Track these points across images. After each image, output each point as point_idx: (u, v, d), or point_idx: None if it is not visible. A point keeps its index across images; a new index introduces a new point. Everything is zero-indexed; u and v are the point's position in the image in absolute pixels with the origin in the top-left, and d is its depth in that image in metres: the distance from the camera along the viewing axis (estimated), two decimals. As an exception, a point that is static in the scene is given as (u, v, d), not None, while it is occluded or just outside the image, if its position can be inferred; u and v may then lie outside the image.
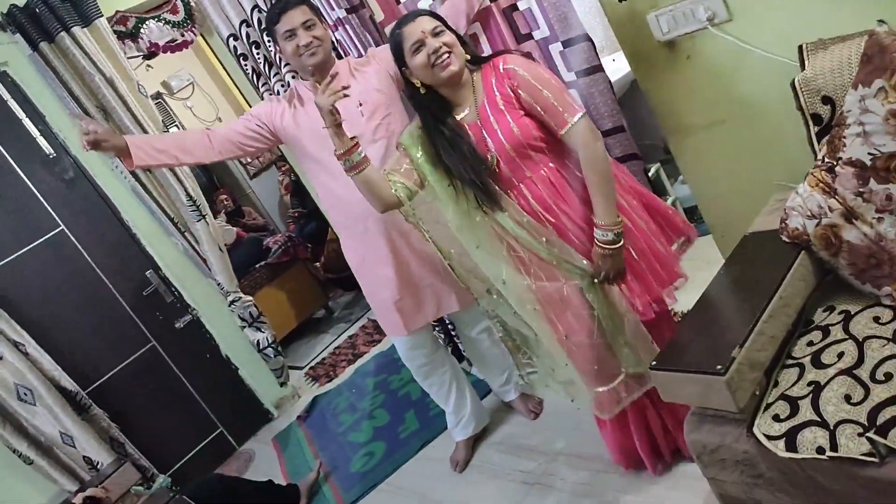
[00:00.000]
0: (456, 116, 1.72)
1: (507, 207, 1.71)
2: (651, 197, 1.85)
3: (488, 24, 2.14)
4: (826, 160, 1.46)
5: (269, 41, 2.69)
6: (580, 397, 1.91)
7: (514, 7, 2.08)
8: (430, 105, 1.72)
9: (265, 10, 2.84)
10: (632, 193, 1.79)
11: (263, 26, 2.90)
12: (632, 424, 1.93)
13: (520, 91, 1.64)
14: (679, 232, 1.86)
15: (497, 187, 1.71)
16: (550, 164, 1.70)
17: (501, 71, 1.66)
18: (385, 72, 2.08)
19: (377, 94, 2.05)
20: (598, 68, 2.06)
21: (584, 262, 1.71)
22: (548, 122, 1.64)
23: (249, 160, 5.83)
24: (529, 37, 2.12)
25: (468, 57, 1.69)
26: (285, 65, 3.00)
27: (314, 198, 3.78)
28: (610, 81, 2.10)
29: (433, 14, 1.68)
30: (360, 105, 2.02)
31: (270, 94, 3.11)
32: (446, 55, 1.63)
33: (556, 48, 2.09)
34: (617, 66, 3.08)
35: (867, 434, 1.17)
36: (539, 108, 1.62)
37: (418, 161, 1.74)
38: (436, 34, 1.63)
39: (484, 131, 1.69)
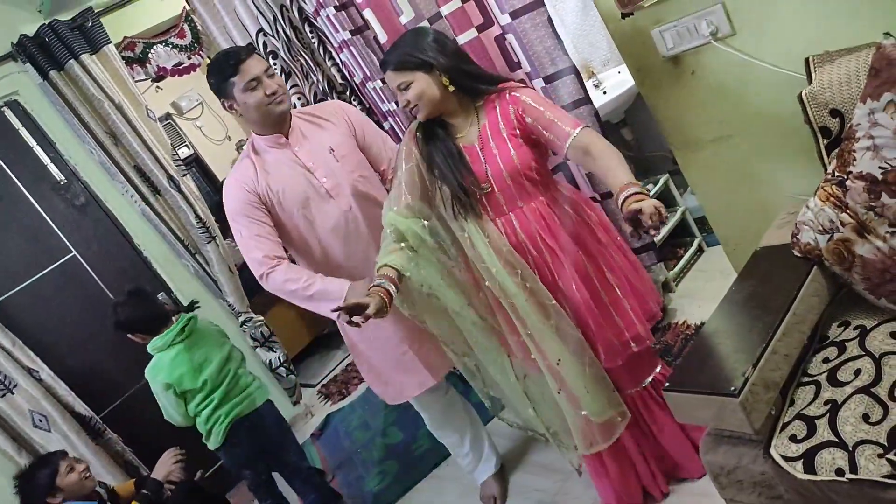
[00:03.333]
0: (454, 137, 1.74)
1: (491, 234, 1.70)
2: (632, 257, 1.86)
3: (484, 53, 2.12)
4: (836, 174, 1.44)
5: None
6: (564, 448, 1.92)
7: (503, 37, 2.09)
8: (430, 122, 1.74)
9: (270, 33, 2.87)
10: (612, 235, 1.81)
11: (269, 49, 2.93)
12: (612, 465, 1.91)
13: (525, 115, 1.65)
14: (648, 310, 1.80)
15: (486, 213, 1.72)
16: (541, 198, 1.72)
17: (508, 97, 1.68)
18: (349, 134, 2.04)
19: (344, 138, 2.03)
20: (586, 101, 2.08)
21: (553, 301, 1.70)
22: (551, 142, 1.64)
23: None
24: (519, 66, 2.12)
25: (452, 88, 1.67)
26: (292, 86, 3.02)
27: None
28: (597, 112, 2.12)
29: (400, 65, 1.65)
30: (332, 151, 1.98)
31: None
32: (415, 108, 1.68)
33: (538, 83, 2.09)
34: (623, 78, 3.06)
35: (887, 455, 1.15)
36: (541, 128, 1.63)
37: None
38: (402, 89, 1.66)
39: (482, 155, 1.69)
